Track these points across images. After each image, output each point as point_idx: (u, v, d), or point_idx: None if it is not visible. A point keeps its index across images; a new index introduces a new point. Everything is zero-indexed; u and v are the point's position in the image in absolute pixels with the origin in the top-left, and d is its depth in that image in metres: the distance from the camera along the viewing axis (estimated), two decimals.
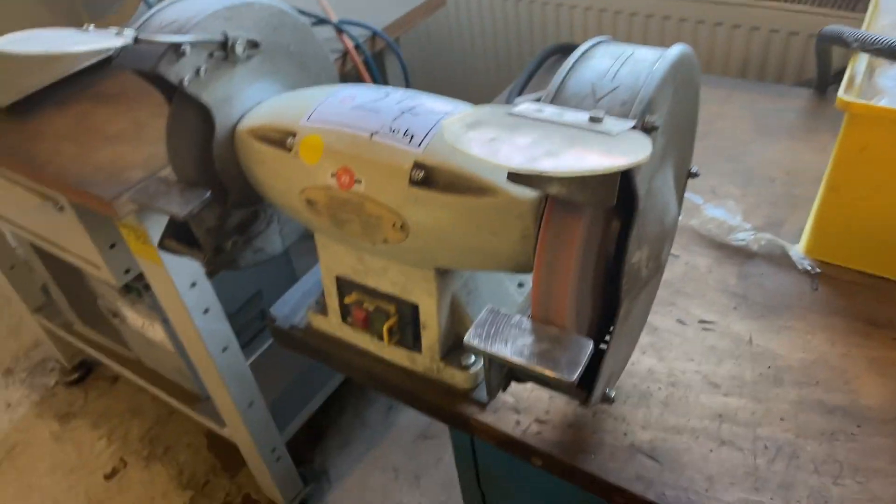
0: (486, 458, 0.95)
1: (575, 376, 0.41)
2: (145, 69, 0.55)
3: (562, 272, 0.42)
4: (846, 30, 0.70)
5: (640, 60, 0.42)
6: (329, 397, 1.52)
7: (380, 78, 1.12)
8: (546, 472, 0.58)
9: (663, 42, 1.32)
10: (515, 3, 1.45)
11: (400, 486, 1.44)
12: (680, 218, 0.75)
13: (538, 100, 0.41)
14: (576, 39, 1.44)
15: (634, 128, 0.35)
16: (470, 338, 0.44)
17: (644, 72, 0.41)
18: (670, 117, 0.45)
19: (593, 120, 0.35)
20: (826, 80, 0.92)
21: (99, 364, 1.79)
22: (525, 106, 0.37)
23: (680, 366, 0.62)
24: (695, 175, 0.57)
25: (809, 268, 0.68)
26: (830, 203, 0.65)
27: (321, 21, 1.06)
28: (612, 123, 0.35)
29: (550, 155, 0.31)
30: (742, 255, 0.72)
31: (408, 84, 1.19)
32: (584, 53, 0.44)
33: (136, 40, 0.53)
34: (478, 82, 1.64)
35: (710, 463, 0.55)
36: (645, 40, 1.33)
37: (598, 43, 0.45)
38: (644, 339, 0.64)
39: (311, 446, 1.53)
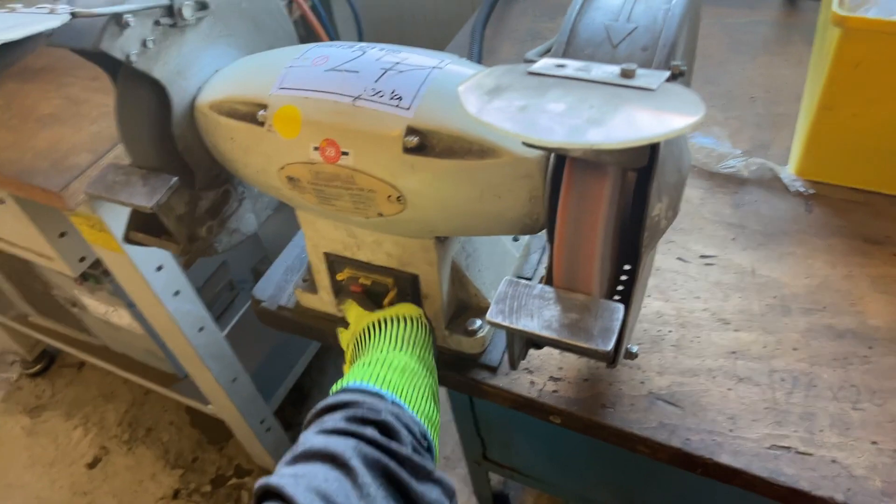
0: (485, 409, 0.95)
1: (611, 345, 0.39)
2: (86, 47, 0.48)
3: (588, 237, 0.39)
4: None
5: None
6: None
7: (329, 26, 1.04)
8: (566, 429, 0.57)
9: None
10: None
11: None
12: None
13: (549, 50, 0.37)
14: None
15: (675, 77, 0.32)
16: (493, 315, 0.42)
17: (661, 10, 0.37)
18: (684, 56, 0.41)
19: (626, 74, 0.32)
20: None
21: (61, 352, 1.71)
22: (543, 62, 0.34)
23: (687, 305, 0.61)
24: None
25: (802, 189, 0.68)
26: (823, 121, 0.64)
27: None
28: (647, 76, 0.31)
29: (595, 123, 0.27)
30: (734, 182, 0.71)
31: (360, 28, 1.12)
32: None
33: (73, 15, 0.46)
34: (432, 19, 1.56)
35: (730, 402, 0.54)
36: None
37: None
38: (648, 280, 0.63)
39: (297, 409, 1.51)
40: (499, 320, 0.41)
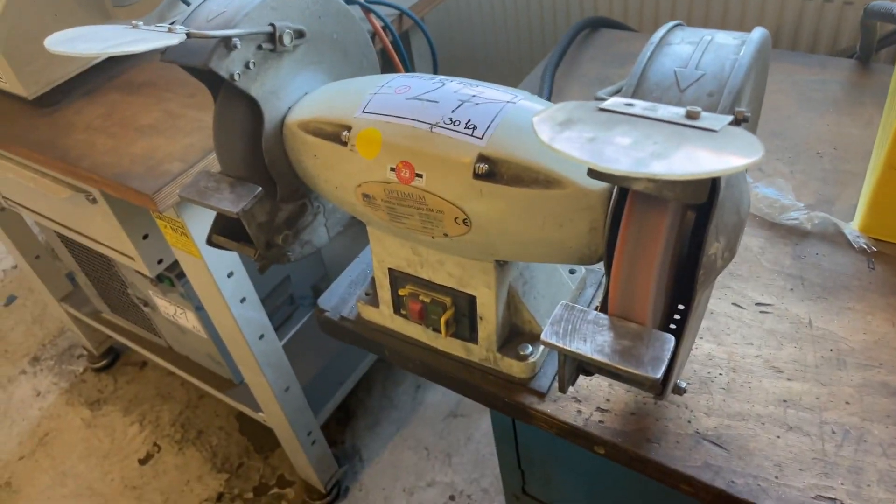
0: (527, 438, 0.96)
1: (660, 373, 0.41)
2: (195, 64, 0.54)
3: (644, 268, 0.41)
4: (894, 6, 0.68)
5: (723, 46, 0.41)
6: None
7: (407, 58, 1.10)
8: (610, 460, 0.58)
9: (693, 12, 1.29)
10: None
11: (432, 463, 1.45)
12: None
13: (619, 91, 0.39)
14: (599, 12, 1.41)
15: (738, 122, 0.34)
16: (547, 335, 0.44)
17: (729, 59, 0.40)
18: (750, 104, 0.43)
19: (690, 115, 0.34)
20: (869, 53, 0.90)
21: (127, 350, 1.80)
22: (613, 101, 0.36)
23: (740, 350, 0.62)
24: None
25: (865, 246, 0.67)
26: (889, 181, 0.64)
27: (349, 1, 1.04)
28: (710, 119, 0.34)
29: (658, 157, 0.30)
30: (795, 234, 0.71)
31: (435, 63, 1.17)
32: (661, 39, 0.42)
33: (189, 35, 0.51)
34: (504, 59, 1.61)
35: (778, 449, 0.54)
36: (673, 10, 1.30)
37: (674, 27, 0.44)
38: (702, 323, 0.64)
39: (342, 427, 1.54)
40: (553, 341, 0.43)
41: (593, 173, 0.39)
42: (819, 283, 0.66)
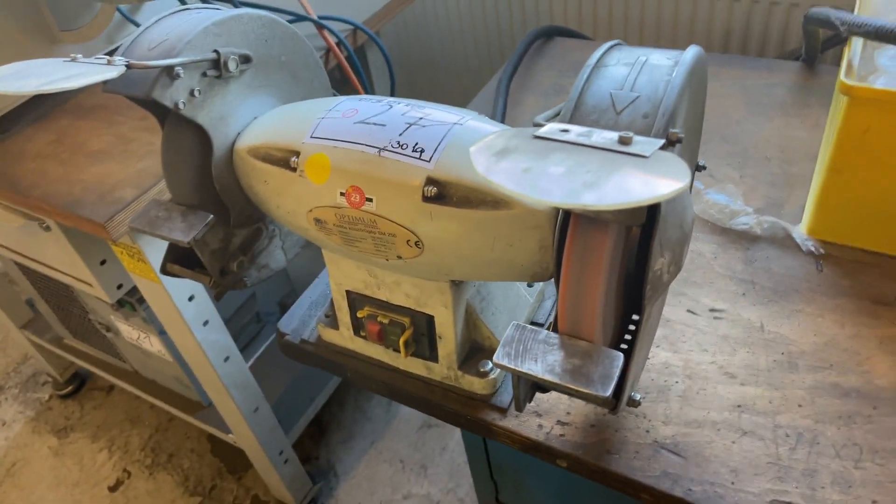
0: (498, 451, 0.96)
1: (609, 391, 0.41)
2: (138, 95, 0.53)
3: (590, 287, 0.42)
4: (833, 12, 0.70)
5: (657, 67, 0.42)
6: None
7: (364, 73, 1.10)
8: (572, 473, 0.58)
9: (646, 17, 1.31)
10: None
11: (407, 476, 1.45)
12: None
13: (557, 114, 0.40)
14: (555, 20, 1.42)
15: (668, 146, 0.35)
16: (499, 357, 0.44)
17: (662, 80, 0.40)
18: (685, 122, 0.44)
19: (623, 141, 0.34)
20: (814, 56, 0.92)
21: (92, 375, 1.76)
22: (549, 127, 0.37)
23: (695, 357, 0.63)
24: (702, 168, 0.57)
25: (814, 249, 0.69)
26: (832, 184, 0.66)
27: (300, 18, 1.04)
28: (642, 144, 0.34)
29: (589, 186, 0.30)
30: (746, 238, 0.72)
31: (392, 77, 1.17)
32: (597, 61, 0.43)
33: (128, 66, 0.51)
34: (463, 68, 1.62)
35: (734, 455, 0.55)
36: (626, 15, 1.32)
37: (611, 47, 0.45)
38: (657, 331, 0.65)
39: (315, 443, 1.53)
40: (504, 363, 0.44)
41: None
42: (770, 286, 0.67)
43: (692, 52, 0.43)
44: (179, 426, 1.62)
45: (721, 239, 0.73)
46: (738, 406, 0.58)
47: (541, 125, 0.37)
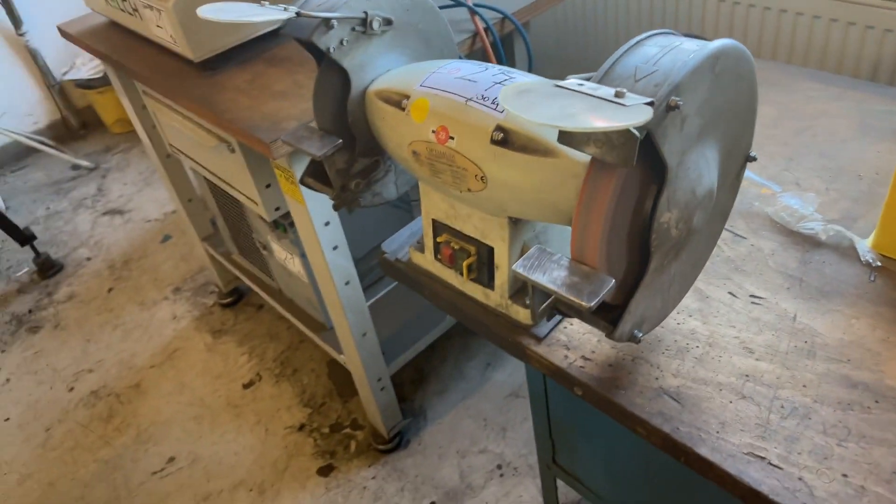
0: (558, 412, 1.06)
1: (593, 303, 0.51)
2: (303, 38, 0.70)
3: (594, 219, 0.52)
4: None
5: (683, 51, 0.51)
6: (434, 346, 1.69)
7: (505, 60, 1.23)
8: (584, 400, 0.68)
9: (786, 38, 1.31)
10: None
11: (487, 433, 1.57)
12: (755, 204, 0.81)
13: (589, 78, 0.51)
14: (705, 28, 1.46)
15: (653, 104, 0.44)
16: (518, 266, 0.56)
17: (681, 60, 0.50)
18: (708, 103, 0.53)
19: (618, 95, 0.45)
20: None
21: (248, 292, 2.07)
22: (570, 80, 0.48)
23: (721, 331, 0.69)
24: (752, 159, 0.64)
25: (871, 260, 0.72)
26: None
27: (458, 3, 1.19)
28: (631, 98, 0.44)
29: (569, 116, 0.41)
30: (810, 243, 0.77)
31: (531, 67, 1.29)
32: (638, 42, 0.53)
33: (298, 14, 0.68)
34: (591, 63, 1.70)
35: (727, 411, 0.62)
36: (777, 36, 1.33)
37: (655, 34, 0.54)
38: (693, 304, 0.72)
39: (414, 387, 1.70)
40: (520, 270, 0.55)
41: (561, 138, 0.50)
42: (817, 286, 0.72)
43: (720, 41, 0.51)
44: (307, 349, 1.87)
45: (784, 239, 0.78)
46: (747, 375, 0.65)
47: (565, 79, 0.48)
